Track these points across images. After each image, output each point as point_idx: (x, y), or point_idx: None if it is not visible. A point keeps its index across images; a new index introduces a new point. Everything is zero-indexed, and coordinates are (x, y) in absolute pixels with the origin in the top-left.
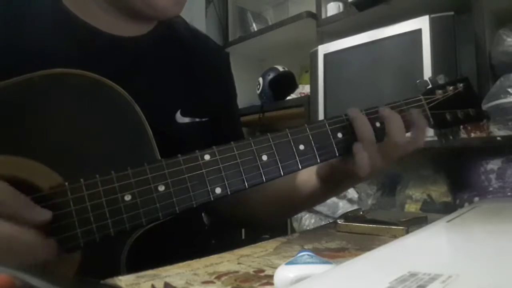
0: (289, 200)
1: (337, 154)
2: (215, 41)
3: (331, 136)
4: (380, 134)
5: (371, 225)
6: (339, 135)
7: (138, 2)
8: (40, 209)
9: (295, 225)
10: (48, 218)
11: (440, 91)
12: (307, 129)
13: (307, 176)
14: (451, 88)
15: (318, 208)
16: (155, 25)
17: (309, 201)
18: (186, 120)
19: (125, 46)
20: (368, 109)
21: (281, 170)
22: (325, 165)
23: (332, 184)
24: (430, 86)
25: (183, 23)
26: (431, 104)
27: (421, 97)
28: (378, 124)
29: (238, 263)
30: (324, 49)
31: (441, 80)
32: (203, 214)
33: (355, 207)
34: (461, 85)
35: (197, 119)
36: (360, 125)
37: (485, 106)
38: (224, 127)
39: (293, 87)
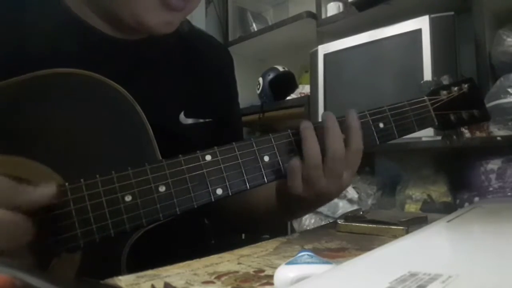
0: (252, 214)
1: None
2: (220, 42)
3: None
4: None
5: (371, 225)
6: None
7: (126, 17)
8: (37, 187)
9: (295, 225)
10: (49, 192)
11: (444, 92)
12: None
13: (269, 191)
14: (455, 88)
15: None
16: None
17: (266, 219)
18: (190, 121)
19: (128, 47)
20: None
21: (283, 171)
22: (279, 185)
23: (285, 204)
24: (434, 86)
25: (187, 23)
26: (435, 105)
27: (426, 98)
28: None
29: (238, 263)
30: (324, 49)
31: (445, 80)
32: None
33: (355, 207)
34: (465, 85)
35: (201, 120)
36: (309, 145)
37: None
38: (227, 128)
39: (293, 87)
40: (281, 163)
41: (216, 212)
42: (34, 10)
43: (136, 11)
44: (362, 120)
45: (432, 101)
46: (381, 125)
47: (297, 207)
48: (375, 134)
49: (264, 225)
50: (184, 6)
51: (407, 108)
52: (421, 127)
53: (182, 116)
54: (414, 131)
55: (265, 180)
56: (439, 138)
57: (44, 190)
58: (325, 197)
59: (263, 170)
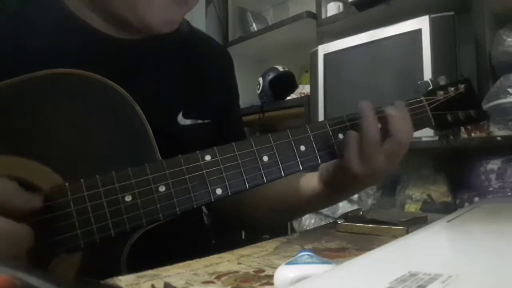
0: (290, 203)
1: (338, 155)
2: (220, 43)
3: (332, 137)
4: (384, 134)
5: (371, 225)
6: (340, 136)
7: (128, 16)
8: (29, 196)
9: (295, 225)
10: (37, 204)
11: (441, 92)
12: (308, 129)
13: (309, 180)
14: (452, 89)
15: None
16: None
17: (311, 205)
18: (188, 122)
19: (127, 47)
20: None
21: (282, 171)
22: (326, 168)
23: (333, 187)
24: (431, 87)
25: (186, 24)
26: (432, 105)
27: (423, 98)
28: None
29: (238, 263)
30: (324, 49)
31: (442, 81)
32: (203, 214)
33: (355, 207)
34: (462, 86)
35: (199, 121)
36: (368, 125)
37: (485, 106)
38: (226, 129)
39: (293, 87)
40: (280, 163)
41: (241, 209)
42: (33, 10)
43: (138, 9)
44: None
45: (429, 101)
46: (379, 125)
47: (348, 187)
48: None
49: (309, 211)
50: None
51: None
52: (418, 127)
53: (180, 116)
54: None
55: (264, 180)
56: None
57: (34, 201)
58: (379, 175)
59: (262, 170)
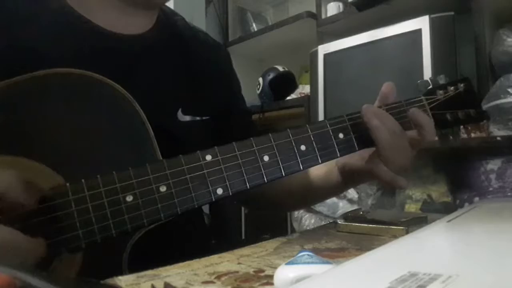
0: (312, 192)
1: (338, 155)
2: (215, 39)
3: (332, 137)
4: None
5: (371, 225)
6: (341, 135)
7: None
8: (25, 193)
9: (295, 225)
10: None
11: (441, 92)
12: (309, 129)
13: (329, 172)
14: (451, 88)
15: (318, 208)
16: (154, 23)
17: (329, 194)
18: (187, 118)
19: (126, 44)
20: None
21: (283, 171)
22: (351, 165)
23: (352, 181)
24: (431, 86)
25: (182, 21)
26: (432, 105)
27: (422, 97)
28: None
29: (238, 263)
30: (324, 49)
31: (442, 80)
32: (203, 214)
33: (355, 207)
34: (461, 85)
35: (198, 118)
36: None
37: (485, 106)
38: (231, 123)
39: (293, 87)
40: (280, 162)
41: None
42: (32, 8)
43: None
44: (360, 120)
45: (429, 101)
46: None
47: (367, 179)
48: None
49: (328, 197)
50: None
51: (404, 108)
52: None
53: (180, 113)
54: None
55: (265, 179)
56: None
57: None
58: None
59: (262, 170)
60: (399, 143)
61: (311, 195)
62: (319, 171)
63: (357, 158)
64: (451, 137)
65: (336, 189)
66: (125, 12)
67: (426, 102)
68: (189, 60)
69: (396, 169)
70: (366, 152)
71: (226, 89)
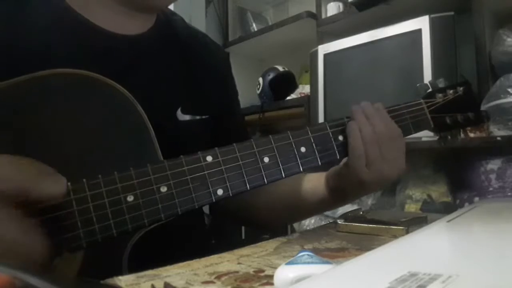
0: (295, 206)
1: (338, 157)
2: (214, 41)
3: (332, 139)
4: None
5: (371, 225)
6: (340, 137)
7: None
8: (54, 179)
9: (295, 225)
10: (63, 190)
11: (440, 95)
12: (309, 131)
13: (315, 184)
14: (451, 91)
15: None
16: (154, 23)
17: (317, 208)
18: (187, 117)
19: (125, 44)
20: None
21: (283, 172)
22: (333, 174)
23: (340, 192)
24: (430, 89)
25: (181, 22)
26: (431, 108)
27: (422, 100)
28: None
29: (238, 263)
30: (324, 49)
31: (441, 83)
32: (204, 214)
33: (355, 207)
34: (461, 88)
35: (198, 117)
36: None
37: (485, 106)
38: (226, 125)
39: (293, 87)
40: (280, 164)
41: (249, 209)
42: (31, 8)
43: None
44: None
45: (428, 104)
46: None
47: (354, 192)
48: None
49: (314, 214)
50: None
51: (403, 111)
52: (418, 129)
53: (179, 112)
54: (411, 133)
55: (265, 181)
56: None
57: (59, 187)
58: (384, 180)
59: (263, 171)
60: (384, 151)
61: (296, 210)
62: (306, 185)
63: (341, 166)
64: (449, 138)
65: (322, 204)
66: (124, 13)
67: (425, 105)
68: (187, 60)
69: (378, 176)
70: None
71: (223, 89)
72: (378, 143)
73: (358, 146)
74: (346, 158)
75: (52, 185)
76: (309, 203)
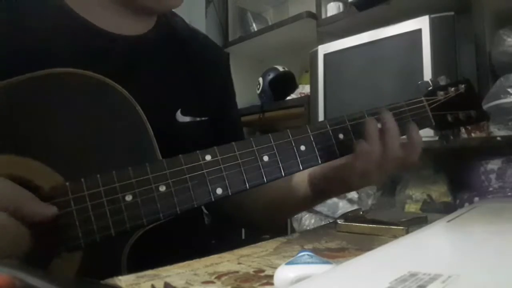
0: (280, 205)
1: (338, 156)
2: (214, 41)
3: (332, 137)
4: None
5: (371, 225)
6: (340, 136)
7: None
8: (45, 204)
9: (295, 225)
10: (53, 212)
11: (441, 93)
12: (308, 129)
13: (297, 182)
14: (452, 89)
15: (318, 208)
16: (154, 24)
17: (298, 206)
18: (187, 119)
19: (125, 45)
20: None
21: (282, 171)
22: (318, 174)
23: (322, 191)
24: (431, 87)
25: (182, 22)
26: (432, 106)
27: (423, 98)
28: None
29: (238, 263)
30: (324, 49)
31: (442, 81)
32: (203, 214)
33: (355, 207)
34: (462, 86)
35: (197, 119)
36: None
37: (485, 106)
38: (223, 127)
39: (293, 87)
40: (280, 162)
41: (237, 209)
42: (31, 8)
43: None
44: (361, 121)
45: (430, 102)
46: (379, 125)
47: (336, 192)
48: None
49: (297, 212)
50: None
51: (405, 109)
52: (419, 127)
53: (179, 114)
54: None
55: (265, 179)
56: None
57: (49, 209)
58: (367, 183)
59: (262, 170)
60: (382, 163)
61: (279, 208)
62: (289, 182)
63: (327, 166)
64: (451, 137)
65: (304, 201)
66: (125, 14)
67: (427, 103)
68: (188, 61)
69: (367, 182)
70: (338, 161)
71: (223, 91)
72: (381, 164)
73: (362, 166)
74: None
75: (43, 207)
76: (292, 201)
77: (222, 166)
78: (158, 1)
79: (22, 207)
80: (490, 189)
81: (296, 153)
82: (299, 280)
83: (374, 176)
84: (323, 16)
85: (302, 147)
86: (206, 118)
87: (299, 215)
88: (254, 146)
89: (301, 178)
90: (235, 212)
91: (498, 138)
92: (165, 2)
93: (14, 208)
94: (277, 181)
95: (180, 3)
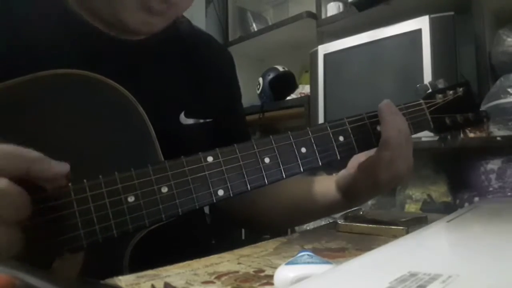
0: (304, 209)
1: (338, 157)
2: (219, 42)
3: (332, 139)
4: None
5: (371, 225)
6: (341, 138)
7: (106, 15)
8: (56, 161)
9: None
10: (66, 169)
11: (440, 95)
12: (309, 132)
13: (326, 188)
14: (451, 92)
15: None
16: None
17: (327, 211)
18: (190, 121)
19: (129, 46)
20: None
21: (283, 173)
22: (346, 177)
23: (351, 196)
24: (430, 90)
25: (187, 23)
26: (431, 108)
27: (422, 101)
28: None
29: (238, 263)
30: (324, 49)
31: (441, 84)
32: (204, 214)
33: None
34: (460, 89)
35: (201, 120)
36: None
37: (485, 106)
38: (229, 128)
39: (293, 87)
40: (281, 164)
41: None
42: (33, 8)
43: (115, 9)
44: (361, 123)
45: (428, 105)
46: (379, 128)
47: (367, 193)
48: (372, 136)
49: (323, 216)
50: (165, 11)
51: (403, 111)
52: (417, 130)
53: (182, 116)
54: (411, 134)
55: (266, 181)
56: None
57: (61, 166)
58: (398, 179)
59: (263, 172)
60: (406, 148)
61: (303, 212)
62: (316, 188)
63: (351, 166)
64: (449, 138)
65: (334, 206)
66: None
67: (425, 106)
68: (192, 62)
69: (395, 174)
70: (355, 161)
71: (228, 92)
72: (401, 150)
73: (386, 154)
74: (357, 162)
75: (55, 163)
76: (319, 205)
77: (223, 167)
78: (125, 29)
79: (31, 166)
80: (490, 189)
81: (297, 155)
82: (299, 280)
83: (400, 165)
84: (323, 16)
85: (303, 149)
86: (210, 120)
87: None
88: (255, 147)
89: (329, 183)
90: (245, 213)
91: (498, 138)
92: (133, 30)
93: (26, 168)
94: (298, 184)
95: (150, 31)
